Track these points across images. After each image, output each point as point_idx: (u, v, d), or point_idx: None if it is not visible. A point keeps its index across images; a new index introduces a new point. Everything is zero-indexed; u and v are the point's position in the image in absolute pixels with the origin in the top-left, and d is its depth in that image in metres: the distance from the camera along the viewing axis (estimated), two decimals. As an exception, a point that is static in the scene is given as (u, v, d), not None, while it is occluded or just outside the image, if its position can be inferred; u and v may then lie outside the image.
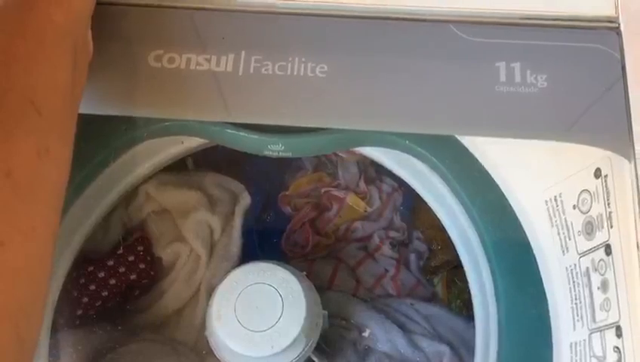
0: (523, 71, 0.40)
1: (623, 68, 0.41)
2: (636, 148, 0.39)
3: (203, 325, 0.48)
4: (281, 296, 0.45)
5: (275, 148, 0.45)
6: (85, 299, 0.51)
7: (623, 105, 0.41)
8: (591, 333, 0.38)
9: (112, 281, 0.52)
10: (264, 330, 0.44)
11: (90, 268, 0.52)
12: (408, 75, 0.40)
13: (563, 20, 0.42)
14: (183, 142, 0.46)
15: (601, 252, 0.38)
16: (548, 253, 0.41)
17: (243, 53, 0.41)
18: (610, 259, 0.37)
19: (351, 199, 0.58)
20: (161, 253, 0.54)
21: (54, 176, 0.32)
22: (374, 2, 0.42)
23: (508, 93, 0.40)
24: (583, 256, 0.39)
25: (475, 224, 0.44)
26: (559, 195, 0.40)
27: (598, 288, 0.38)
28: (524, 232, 0.42)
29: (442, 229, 0.49)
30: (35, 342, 0.29)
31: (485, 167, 0.43)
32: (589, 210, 0.39)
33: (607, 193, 0.38)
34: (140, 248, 0.53)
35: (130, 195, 0.52)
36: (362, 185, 0.58)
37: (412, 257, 0.58)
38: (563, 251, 0.40)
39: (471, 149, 0.43)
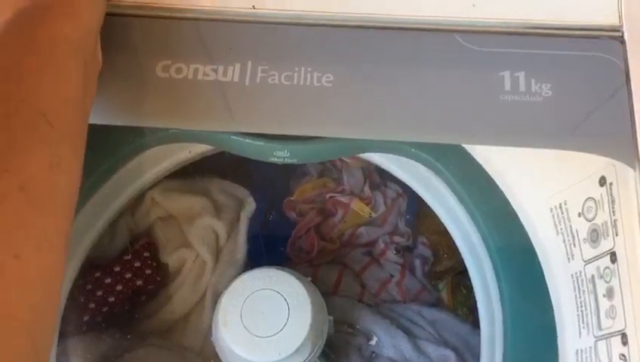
0: (527, 80, 0.40)
1: (627, 76, 0.42)
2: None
3: (209, 330, 0.48)
4: (287, 301, 0.45)
5: (281, 154, 0.46)
6: (92, 305, 0.52)
7: (627, 113, 0.41)
8: (597, 341, 0.38)
9: (119, 287, 0.52)
10: (270, 336, 0.45)
11: (97, 274, 0.52)
12: (414, 85, 0.41)
13: (567, 30, 0.42)
14: (190, 151, 0.47)
15: (607, 259, 0.38)
16: (553, 260, 0.41)
17: (249, 63, 0.41)
18: (616, 267, 0.38)
19: (356, 204, 0.58)
20: (167, 259, 0.54)
21: (66, 187, 0.32)
22: (380, 12, 0.42)
23: (512, 102, 0.40)
24: (589, 263, 0.39)
25: (480, 230, 0.44)
26: (564, 203, 0.41)
27: (604, 295, 0.38)
28: (529, 239, 0.42)
29: (447, 235, 0.49)
30: (49, 350, 0.30)
31: (490, 174, 0.43)
32: (594, 218, 0.39)
33: (612, 201, 0.38)
34: (146, 254, 0.53)
35: (136, 201, 0.53)
36: (367, 190, 0.59)
37: (417, 262, 0.58)
38: (568, 258, 0.41)
39: (476, 156, 0.43)
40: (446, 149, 0.44)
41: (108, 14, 0.40)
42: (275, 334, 0.45)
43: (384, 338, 0.52)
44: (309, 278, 0.49)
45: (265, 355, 0.44)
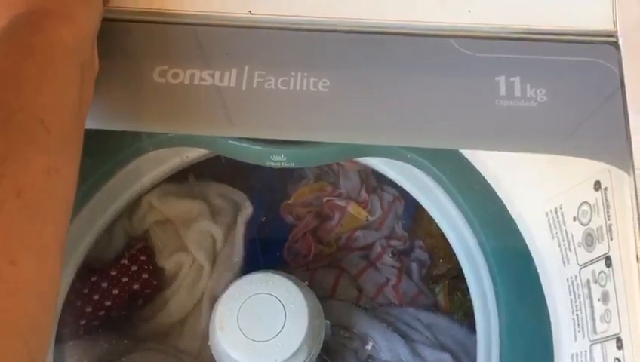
0: (523, 85, 0.41)
1: (622, 81, 0.42)
2: (635, 161, 0.40)
3: (206, 334, 0.48)
4: (283, 305, 0.46)
5: (278, 159, 0.46)
6: (88, 309, 0.52)
7: (621, 118, 0.41)
8: (592, 344, 0.38)
9: (115, 291, 0.52)
10: (267, 340, 0.45)
11: (94, 278, 0.52)
12: (409, 90, 0.41)
13: (562, 35, 0.43)
14: (187, 156, 0.47)
15: (602, 264, 0.38)
16: (548, 264, 0.41)
17: (246, 68, 0.41)
18: (611, 271, 0.38)
19: (352, 208, 0.58)
20: (164, 263, 0.54)
21: (63, 194, 0.32)
22: (376, 18, 0.42)
23: (508, 107, 0.40)
24: (584, 267, 0.40)
25: (476, 234, 0.44)
26: (559, 207, 0.41)
27: (599, 299, 0.38)
28: (524, 243, 0.42)
29: (443, 238, 0.49)
30: (44, 356, 0.30)
31: (486, 178, 0.43)
32: (589, 222, 0.39)
33: (607, 205, 0.39)
34: (143, 258, 0.53)
35: (133, 206, 0.53)
36: (363, 194, 0.59)
37: (413, 266, 0.58)
38: (564, 262, 0.41)
39: (472, 161, 0.43)
40: (442, 154, 0.44)
41: (105, 19, 0.40)
42: (271, 338, 0.45)
43: (381, 342, 0.52)
44: (306, 282, 0.49)
45: (261, 359, 0.44)
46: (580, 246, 0.40)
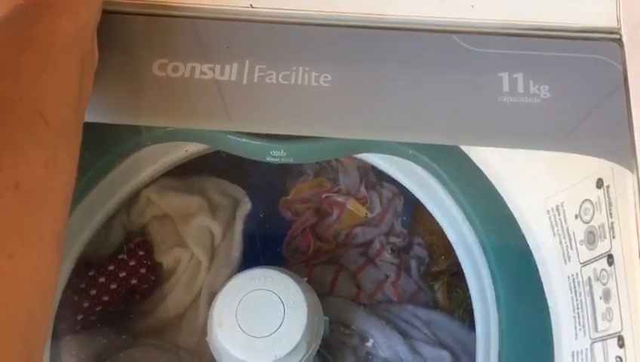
0: (526, 81, 0.40)
1: (625, 79, 0.42)
2: (639, 158, 0.39)
3: (204, 330, 0.48)
4: (282, 301, 0.45)
5: (277, 154, 0.46)
6: (86, 304, 0.51)
7: (625, 115, 0.41)
8: (593, 343, 0.38)
9: (113, 286, 0.52)
10: (265, 336, 0.44)
11: (91, 273, 0.52)
12: (411, 85, 0.41)
13: (565, 31, 0.42)
14: (187, 150, 0.46)
15: (604, 262, 0.38)
16: (549, 262, 0.41)
17: (247, 62, 0.41)
18: (613, 269, 0.38)
19: (352, 204, 0.58)
20: (162, 258, 0.54)
21: (61, 187, 0.32)
22: (378, 12, 0.42)
23: (511, 104, 0.40)
24: (585, 265, 0.40)
25: (477, 231, 0.44)
26: (561, 205, 0.41)
27: (600, 298, 0.38)
28: (525, 241, 0.42)
29: (443, 235, 0.49)
30: (42, 352, 0.29)
31: (487, 175, 0.43)
32: (590, 220, 0.39)
33: (610, 203, 0.38)
34: (141, 253, 0.53)
35: (131, 200, 0.52)
36: (363, 190, 0.59)
37: (413, 263, 0.58)
38: (565, 260, 0.41)
39: (473, 158, 0.43)
40: (443, 151, 0.44)
41: (105, 11, 0.39)
42: (270, 334, 0.44)
43: (379, 339, 0.52)
44: (305, 278, 0.49)
45: (260, 355, 0.44)
46: (581, 244, 0.40)
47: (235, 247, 0.54)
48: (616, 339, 0.37)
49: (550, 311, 0.41)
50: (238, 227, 0.55)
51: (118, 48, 0.41)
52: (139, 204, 0.54)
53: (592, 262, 0.39)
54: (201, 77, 0.40)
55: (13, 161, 0.28)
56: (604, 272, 0.38)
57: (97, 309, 0.52)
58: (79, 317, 0.51)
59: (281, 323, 0.45)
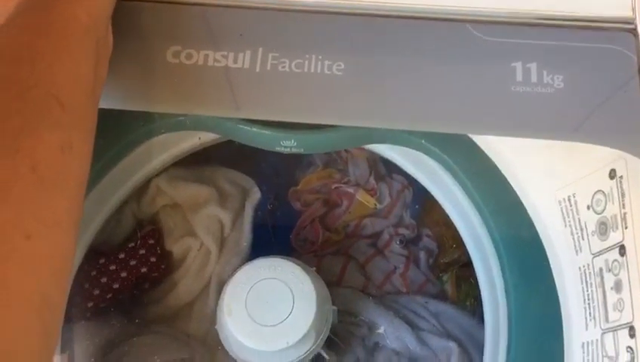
0: (539, 71, 0.40)
1: (639, 69, 0.41)
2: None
3: (213, 319, 0.48)
4: (291, 291, 0.45)
5: (288, 144, 0.46)
6: (96, 292, 0.52)
7: (638, 105, 0.41)
8: (603, 333, 0.38)
9: (123, 274, 0.52)
10: (275, 325, 0.45)
11: (102, 261, 0.52)
12: (424, 74, 0.41)
13: (580, 21, 0.42)
14: (200, 138, 0.47)
15: (615, 252, 0.38)
16: (560, 253, 0.41)
17: (260, 50, 0.41)
18: (625, 260, 0.38)
19: (361, 195, 0.58)
20: (172, 247, 0.54)
21: (77, 170, 0.32)
22: (392, 1, 0.42)
23: (524, 93, 0.40)
24: (597, 256, 0.39)
25: (487, 222, 0.44)
26: (573, 195, 0.41)
27: (612, 288, 0.38)
28: (536, 231, 0.42)
29: (452, 227, 0.49)
30: (58, 332, 0.30)
31: (498, 166, 0.43)
32: (603, 211, 0.39)
33: (622, 194, 0.38)
34: (151, 241, 0.53)
35: (141, 189, 0.53)
36: (372, 181, 0.59)
37: (421, 254, 0.58)
38: (576, 251, 0.41)
39: (484, 148, 0.43)
40: (454, 141, 0.43)
41: (118, -2, 0.40)
42: (279, 323, 0.45)
43: (388, 330, 0.52)
44: (314, 268, 0.49)
45: (269, 344, 0.44)
46: (593, 235, 0.40)
47: (245, 237, 0.54)
48: (627, 330, 0.37)
49: (560, 301, 0.41)
50: (248, 217, 0.55)
51: (133, 35, 0.41)
52: (149, 193, 0.54)
53: (604, 253, 0.39)
54: (215, 64, 0.40)
55: (30, 143, 0.28)
56: (615, 263, 0.38)
57: (107, 297, 0.52)
58: (90, 305, 0.51)
59: (290, 313, 0.45)
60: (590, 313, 0.39)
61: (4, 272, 0.26)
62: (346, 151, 0.59)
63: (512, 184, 0.43)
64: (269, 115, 0.41)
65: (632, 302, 0.37)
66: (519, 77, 0.40)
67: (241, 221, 0.55)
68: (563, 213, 0.41)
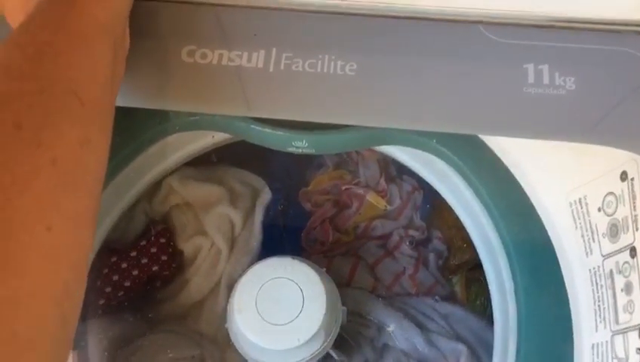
0: (551, 73, 0.40)
1: (652, 72, 0.41)
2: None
3: (223, 317, 0.48)
4: (301, 290, 0.46)
5: (299, 144, 0.46)
6: (108, 289, 0.52)
7: (651, 109, 0.41)
8: (613, 335, 0.38)
9: (135, 272, 0.53)
10: (285, 324, 0.45)
11: (114, 259, 0.52)
12: (436, 75, 0.41)
13: (592, 23, 0.42)
14: (213, 137, 0.47)
15: (626, 254, 0.38)
16: (571, 255, 0.41)
17: (274, 50, 0.41)
18: (635, 262, 0.37)
19: (371, 197, 0.58)
20: (183, 246, 0.54)
21: (95, 166, 0.32)
22: (405, 2, 0.42)
23: (536, 95, 0.40)
24: (607, 258, 0.39)
25: (497, 224, 0.44)
26: (584, 197, 0.41)
27: (622, 290, 0.38)
28: (546, 233, 0.42)
29: (462, 229, 0.49)
30: (76, 322, 0.30)
31: (509, 168, 0.43)
32: (614, 213, 0.39)
33: (634, 196, 0.38)
34: (163, 240, 0.54)
35: (154, 188, 0.53)
36: (382, 183, 0.59)
37: (431, 256, 0.58)
38: (587, 253, 0.41)
39: (495, 150, 0.43)
40: (465, 143, 0.44)
41: (135, -2, 0.40)
42: (289, 322, 0.45)
43: (396, 331, 0.52)
44: (324, 269, 0.49)
45: (279, 343, 0.44)
46: (604, 237, 0.40)
47: (255, 236, 0.55)
48: (637, 332, 0.37)
49: (570, 303, 0.41)
50: (258, 217, 0.55)
51: (149, 35, 0.41)
52: (161, 192, 0.54)
53: (615, 255, 0.39)
54: (229, 64, 0.41)
55: (51, 138, 0.29)
56: (626, 265, 0.38)
57: (119, 294, 0.52)
58: (101, 302, 0.52)
59: (300, 312, 0.45)
60: (600, 315, 0.39)
61: (25, 262, 0.27)
62: (356, 152, 0.60)
63: (522, 186, 0.43)
64: (282, 114, 0.42)
65: (642, 304, 0.37)
66: (531, 78, 0.40)
67: (252, 221, 0.55)
68: (574, 215, 0.41)
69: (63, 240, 0.28)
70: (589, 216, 0.40)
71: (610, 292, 0.39)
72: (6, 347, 0.25)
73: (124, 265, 0.52)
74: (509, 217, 0.44)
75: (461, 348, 0.51)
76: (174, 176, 0.53)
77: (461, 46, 0.41)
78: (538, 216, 0.42)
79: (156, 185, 0.53)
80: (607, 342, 0.38)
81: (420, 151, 0.47)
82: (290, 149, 0.46)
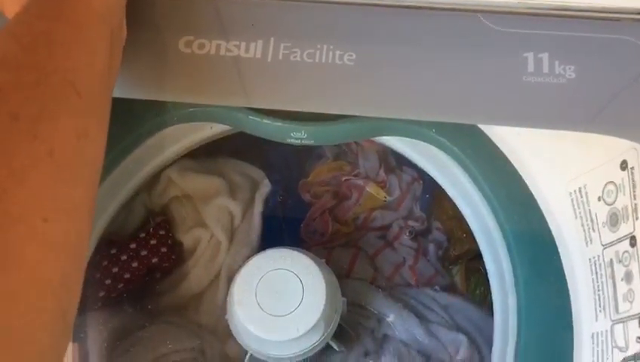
0: (551, 61, 0.40)
1: (652, 60, 0.41)
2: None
3: (223, 309, 0.48)
4: (301, 281, 0.46)
5: (298, 135, 0.46)
6: (108, 281, 0.52)
7: (650, 97, 0.41)
8: (613, 324, 0.38)
9: (134, 264, 0.53)
10: (284, 315, 0.45)
11: (113, 251, 0.52)
12: (435, 65, 0.41)
13: (592, 12, 0.42)
14: (212, 128, 0.47)
15: (626, 243, 0.38)
16: (571, 244, 0.41)
17: (272, 40, 0.41)
18: (635, 251, 0.37)
19: (371, 187, 0.58)
20: (183, 238, 0.54)
21: (92, 157, 0.32)
22: (404, -9, 0.42)
23: (536, 84, 0.40)
24: (607, 247, 0.39)
25: (497, 214, 0.44)
26: (584, 187, 0.41)
27: (622, 279, 0.38)
28: (546, 223, 0.42)
29: (462, 219, 0.49)
30: (74, 315, 0.30)
31: (509, 157, 0.43)
32: (614, 202, 0.39)
33: (634, 185, 0.38)
34: (162, 232, 0.54)
35: (153, 180, 0.53)
36: (382, 174, 0.59)
37: (431, 247, 0.58)
38: (586, 242, 0.40)
39: (495, 140, 0.43)
40: (464, 133, 0.43)
41: (131, -11, 0.40)
42: (289, 313, 0.45)
43: (396, 322, 0.52)
44: (323, 260, 0.49)
45: (279, 334, 0.45)
46: (604, 226, 0.40)
47: (254, 228, 0.55)
48: (637, 320, 0.37)
49: (570, 292, 0.41)
50: (258, 208, 0.55)
51: (146, 25, 0.41)
52: (160, 184, 0.54)
53: (615, 244, 0.39)
54: (227, 54, 0.40)
55: (48, 129, 0.29)
56: (626, 254, 0.38)
57: (119, 286, 0.52)
58: (101, 294, 0.52)
59: (300, 303, 0.45)
60: (600, 304, 0.39)
61: (22, 252, 0.26)
62: (356, 143, 0.59)
63: (522, 176, 0.43)
64: (280, 104, 0.41)
65: (642, 293, 0.37)
66: (531, 67, 0.40)
67: (251, 212, 0.55)
68: (574, 205, 0.41)
69: (60, 232, 0.28)
70: (588, 205, 0.40)
71: (610, 281, 0.39)
72: (4, 339, 0.25)
73: (123, 257, 0.52)
74: (509, 207, 0.44)
75: (461, 338, 0.52)
76: (173, 168, 0.53)
77: (460, 35, 0.41)
78: (538, 205, 0.42)
79: (155, 177, 0.53)
80: (607, 331, 0.38)
81: (419, 142, 0.46)
82: (289, 140, 0.46)
